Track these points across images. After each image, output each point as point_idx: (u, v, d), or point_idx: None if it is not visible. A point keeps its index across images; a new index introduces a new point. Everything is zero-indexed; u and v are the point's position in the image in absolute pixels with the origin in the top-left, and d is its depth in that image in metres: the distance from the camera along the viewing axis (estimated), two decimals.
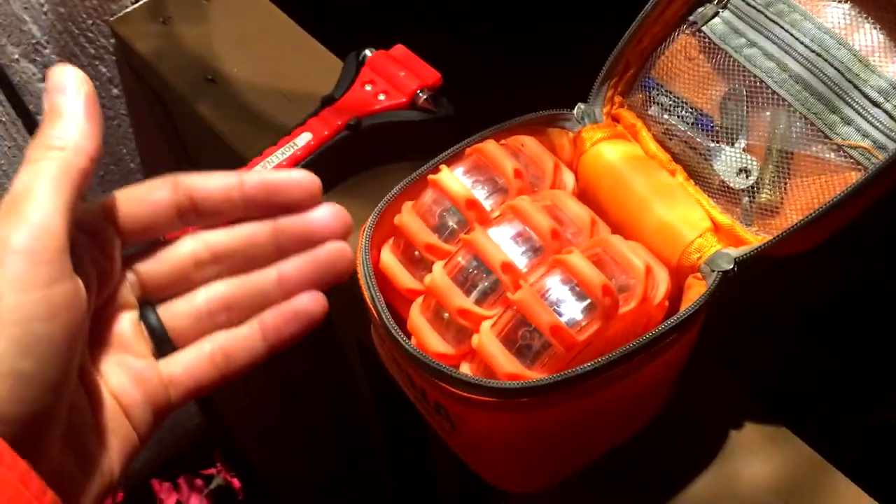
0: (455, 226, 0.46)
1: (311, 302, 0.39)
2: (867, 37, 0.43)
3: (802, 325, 0.90)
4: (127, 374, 0.36)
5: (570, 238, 0.46)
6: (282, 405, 1.07)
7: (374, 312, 0.44)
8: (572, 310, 0.42)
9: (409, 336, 0.45)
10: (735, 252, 0.44)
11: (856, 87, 0.43)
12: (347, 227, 0.39)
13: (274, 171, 0.38)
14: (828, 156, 0.44)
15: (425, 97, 0.62)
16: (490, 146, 0.47)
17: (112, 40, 0.76)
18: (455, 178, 0.46)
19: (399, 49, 0.65)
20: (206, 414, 1.24)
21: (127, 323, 0.37)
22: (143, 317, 0.38)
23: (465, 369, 0.44)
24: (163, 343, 0.38)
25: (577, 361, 0.42)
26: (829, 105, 0.44)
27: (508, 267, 0.43)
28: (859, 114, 0.43)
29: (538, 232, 0.44)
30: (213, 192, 0.37)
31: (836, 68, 0.44)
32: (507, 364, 0.41)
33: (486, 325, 0.43)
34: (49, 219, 0.31)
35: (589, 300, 0.42)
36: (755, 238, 0.45)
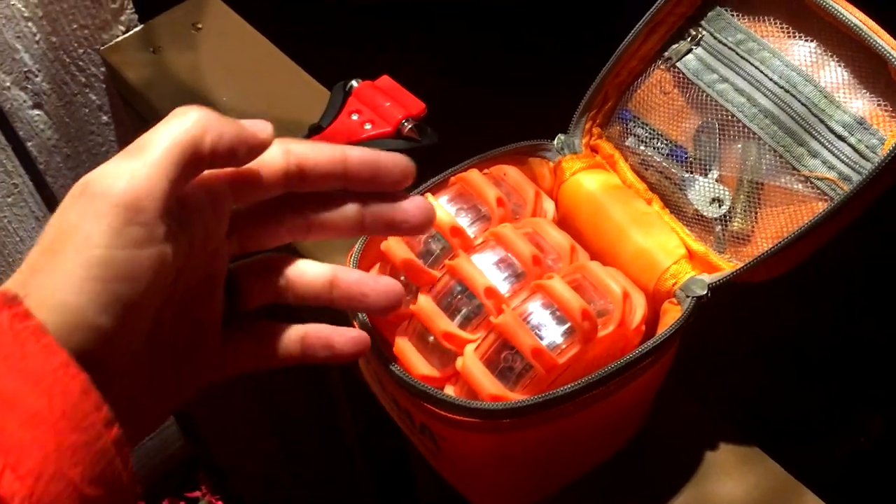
0: (440, 252, 0.48)
1: (349, 342, 0.39)
2: (832, 74, 0.46)
3: (772, 353, 0.92)
4: (193, 338, 0.37)
5: (551, 264, 0.48)
6: (265, 427, 1.07)
7: None
8: (553, 333, 0.44)
9: (394, 359, 0.46)
10: (709, 278, 0.46)
11: (822, 121, 0.45)
12: (431, 221, 0.39)
13: (375, 151, 0.38)
14: (796, 187, 0.46)
15: (410, 126, 0.63)
16: (473, 175, 0.49)
17: (102, 69, 0.78)
18: (440, 206, 0.47)
19: (385, 80, 0.66)
20: (189, 437, 1.24)
21: (214, 285, 0.37)
22: (227, 283, 0.39)
23: (450, 391, 0.45)
24: (234, 309, 0.39)
25: (558, 383, 0.43)
26: (797, 138, 0.46)
27: (491, 292, 0.44)
28: (825, 147, 0.45)
29: (520, 258, 0.46)
30: (321, 163, 0.37)
31: (803, 103, 0.46)
32: (490, 386, 0.43)
33: (469, 348, 0.44)
34: (154, 180, 0.31)
35: (569, 324, 0.43)
36: (728, 265, 0.47)
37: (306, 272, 0.39)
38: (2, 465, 0.26)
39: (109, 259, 0.30)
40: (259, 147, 0.34)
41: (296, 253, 0.53)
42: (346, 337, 0.39)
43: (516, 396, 0.43)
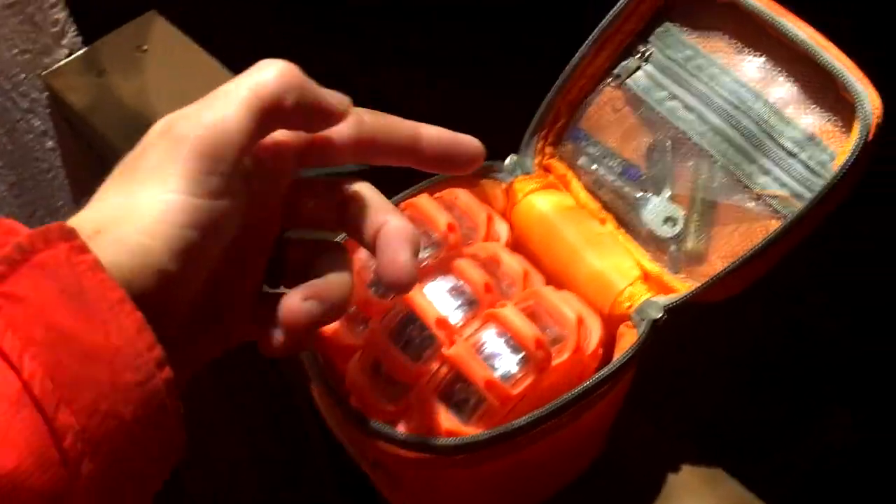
0: None
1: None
2: (781, 90, 0.45)
3: (734, 359, 0.92)
4: (234, 290, 0.36)
5: (505, 290, 0.47)
6: (234, 451, 1.06)
7: (311, 372, 0.44)
8: (507, 363, 0.43)
9: (346, 393, 0.45)
10: (664, 300, 0.46)
11: (772, 138, 0.45)
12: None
13: (449, 131, 0.38)
14: (748, 205, 0.45)
15: None
16: (423, 201, 0.48)
17: (45, 94, 0.75)
18: None
19: None
20: None
21: (263, 247, 0.37)
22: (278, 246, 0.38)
23: (404, 426, 0.44)
24: (275, 279, 0.38)
25: (514, 414, 0.42)
26: (748, 156, 0.45)
27: (443, 322, 0.43)
28: (776, 164, 0.45)
29: (472, 286, 0.45)
30: (393, 139, 0.37)
31: (753, 120, 0.45)
32: (443, 420, 0.42)
33: (422, 381, 0.43)
34: (238, 131, 0.31)
35: (524, 353, 0.42)
36: (683, 285, 0.47)
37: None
38: (57, 399, 0.25)
39: (188, 206, 0.30)
40: (334, 119, 0.34)
41: None
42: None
43: (471, 430, 0.42)
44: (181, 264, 0.30)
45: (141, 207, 0.29)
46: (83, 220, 0.30)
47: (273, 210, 0.36)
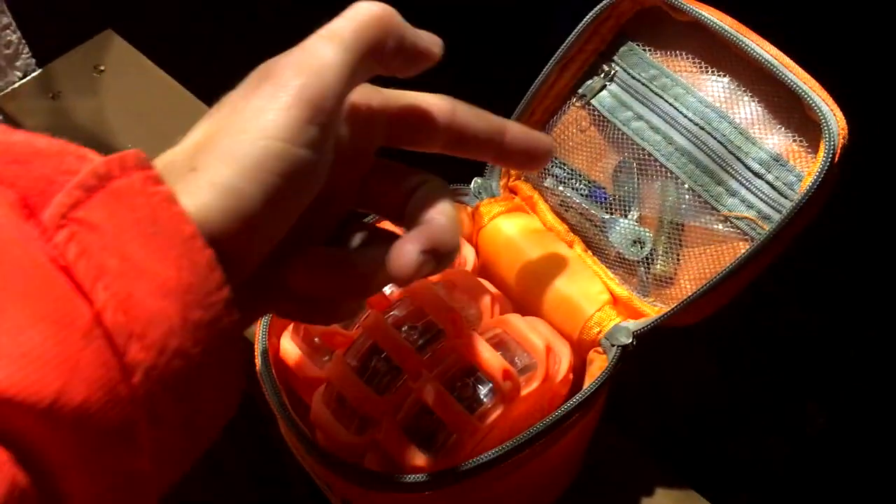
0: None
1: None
2: (747, 109, 0.45)
3: (713, 348, 0.92)
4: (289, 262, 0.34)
5: (471, 318, 0.46)
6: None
7: (274, 407, 0.43)
8: (476, 394, 0.42)
9: (312, 426, 0.44)
10: (634, 325, 0.45)
11: (738, 159, 0.44)
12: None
13: (532, 130, 0.38)
14: (716, 227, 0.45)
15: None
16: (386, 227, 0.47)
17: (0, 118, 0.73)
18: None
19: None
20: None
21: (334, 218, 0.36)
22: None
23: (371, 460, 0.43)
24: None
25: (483, 445, 0.41)
26: (715, 177, 0.45)
27: (408, 353, 0.42)
28: (743, 185, 0.44)
29: (437, 316, 0.43)
30: (482, 132, 0.36)
31: (718, 141, 0.45)
32: (411, 456, 0.41)
33: (388, 414, 0.42)
34: (338, 80, 0.30)
35: (491, 384, 0.41)
36: (652, 309, 0.46)
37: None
38: (128, 333, 0.24)
39: (287, 154, 0.29)
40: (430, 59, 0.33)
41: None
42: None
43: (439, 465, 0.41)
44: (270, 213, 0.29)
45: (242, 150, 0.28)
46: (178, 155, 0.29)
47: (350, 184, 0.35)
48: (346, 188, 0.35)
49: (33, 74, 0.74)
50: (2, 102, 0.72)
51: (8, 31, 0.71)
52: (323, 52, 0.30)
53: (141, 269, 0.25)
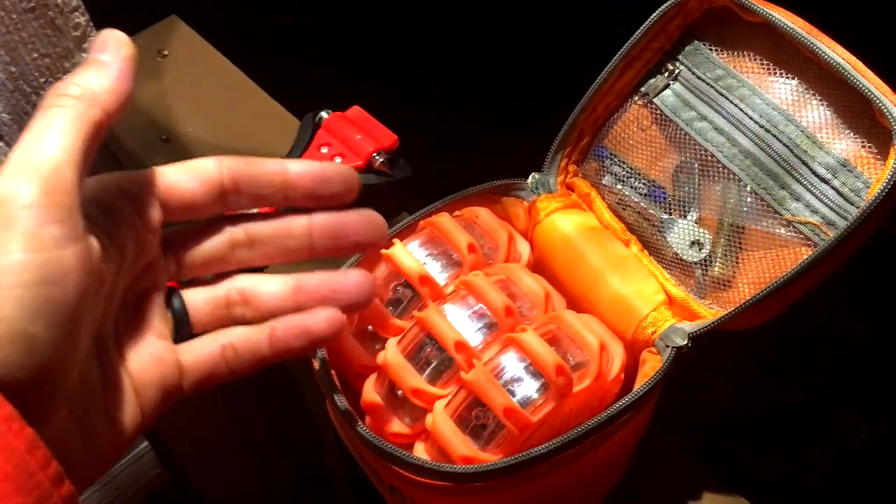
0: (408, 301, 0.45)
1: (325, 321, 0.36)
2: (815, 113, 0.44)
3: (758, 357, 0.91)
4: (145, 353, 0.35)
5: (525, 312, 0.46)
6: (246, 454, 1.05)
7: (327, 392, 0.43)
8: (527, 388, 0.42)
9: (362, 414, 0.44)
10: (689, 327, 0.44)
11: (804, 163, 0.43)
12: (382, 233, 0.38)
13: (317, 162, 0.37)
14: (778, 231, 0.44)
15: (382, 160, 0.61)
16: (444, 220, 0.47)
17: None
18: (408, 253, 0.45)
19: (355, 111, 0.64)
20: (166, 464, 1.21)
21: (154, 300, 0.36)
22: (168, 297, 0.36)
23: (420, 449, 0.43)
24: (183, 327, 0.37)
25: (533, 440, 0.41)
26: (779, 181, 0.44)
27: (461, 346, 0.42)
28: (808, 190, 0.43)
29: (492, 309, 0.44)
30: (258, 175, 0.36)
31: (784, 144, 0.44)
32: (461, 446, 0.41)
33: (439, 404, 0.42)
34: (61, 172, 0.29)
35: (543, 379, 0.41)
36: (709, 312, 0.45)
37: (264, 286, 0.37)
38: None
39: (31, 263, 0.28)
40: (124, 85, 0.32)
41: None
42: (320, 317, 0.36)
43: (488, 457, 0.41)
44: (46, 325, 0.28)
45: None
46: None
47: (152, 259, 0.35)
48: (147, 263, 0.35)
49: None
50: None
51: (76, 13, 0.72)
52: (34, 151, 0.29)
53: None
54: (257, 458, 1.03)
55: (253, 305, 0.37)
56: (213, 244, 0.37)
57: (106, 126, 0.32)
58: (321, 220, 0.37)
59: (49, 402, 0.29)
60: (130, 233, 0.33)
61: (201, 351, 0.36)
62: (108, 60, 0.32)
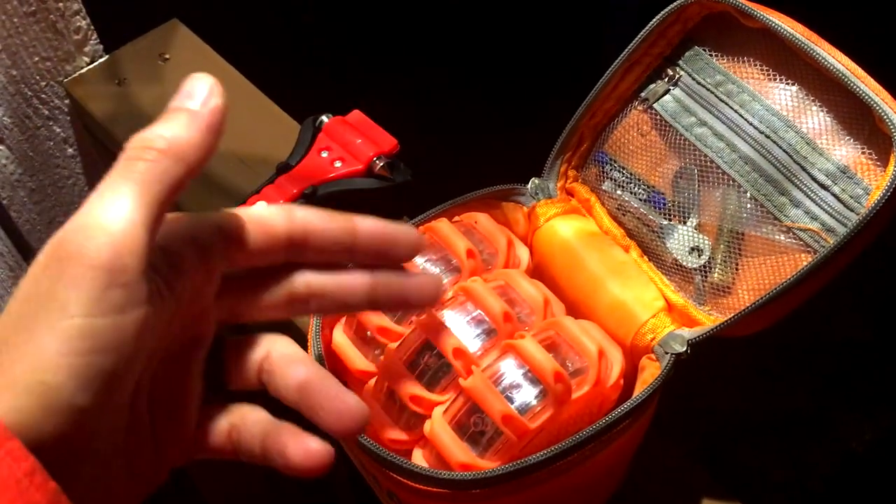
0: None
1: (302, 453, 0.32)
2: (815, 119, 0.44)
3: (758, 362, 0.91)
4: (177, 411, 0.33)
5: (524, 318, 0.45)
6: (258, 475, 1.05)
7: None
8: (526, 395, 0.41)
9: None
10: (688, 334, 0.44)
11: (804, 169, 0.43)
12: (440, 296, 0.36)
13: (386, 222, 0.35)
14: (778, 237, 0.44)
15: (382, 164, 0.61)
16: (442, 225, 0.47)
17: (66, 101, 0.75)
18: None
19: (356, 115, 0.64)
20: (179, 489, 1.21)
21: (197, 354, 0.33)
22: (213, 350, 0.34)
23: (418, 456, 0.43)
24: (216, 388, 0.35)
25: (532, 447, 0.41)
26: (779, 187, 0.44)
27: (460, 352, 0.42)
28: (808, 196, 0.43)
29: (490, 315, 0.43)
30: (328, 231, 0.33)
31: (784, 150, 0.44)
32: (459, 453, 0.41)
33: (438, 411, 0.42)
34: (133, 234, 0.27)
35: (542, 385, 0.41)
36: (708, 318, 0.45)
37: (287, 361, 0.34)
38: None
39: (90, 329, 0.27)
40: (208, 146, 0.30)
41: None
42: (300, 447, 0.32)
43: (487, 464, 0.41)
44: (94, 394, 0.27)
45: (40, 341, 0.26)
46: None
47: (205, 306, 0.33)
48: (200, 311, 0.33)
49: (100, 60, 0.75)
50: (70, 87, 0.74)
51: (78, 17, 0.72)
52: (109, 208, 0.27)
53: None
54: (272, 477, 1.03)
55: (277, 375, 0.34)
56: (270, 295, 0.34)
57: (187, 183, 0.30)
58: (385, 282, 0.34)
59: (79, 461, 0.28)
60: (190, 283, 0.31)
61: (215, 429, 0.34)
62: (196, 110, 0.30)
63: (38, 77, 0.72)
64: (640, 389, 0.43)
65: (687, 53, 0.48)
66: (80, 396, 0.26)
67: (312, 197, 0.60)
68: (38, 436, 0.26)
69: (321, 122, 0.64)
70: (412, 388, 0.42)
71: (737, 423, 0.89)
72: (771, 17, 0.43)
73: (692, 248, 0.46)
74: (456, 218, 0.49)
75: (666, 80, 0.48)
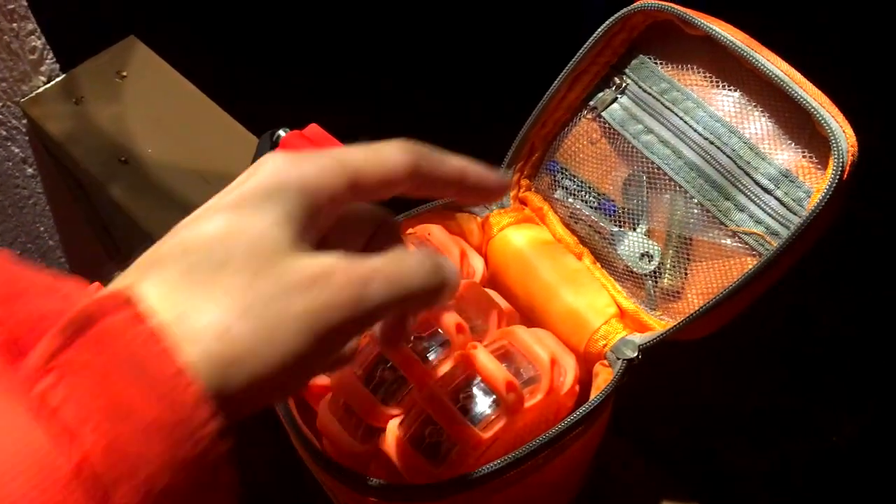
0: None
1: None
2: (757, 125, 0.44)
3: (742, 349, 0.91)
4: None
5: (478, 328, 0.46)
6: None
7: (281, 415, 0.43)
8: (481, 405, 0.42)
9: (318, 434, 0.44)
10: (640, 339, 0.45)
11: (748, 174, 0.44)
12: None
13: (484, 168, 0.37)
14: (724, 241, 0.45)
15: None
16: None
17: (24, 121, 0.75)
18: None
19: (313, 129, 0.64)
20: None
21: None
22: None
23: (374, 469, 0.43)
24: None
25: (488, 456, 0.42)
26: (723, 192, 0.45)
27: (414, 364, 0.42)
28: (752, 200, 0.44)
29: (443, 327, 0.44)
30: (443, 177, 0.35)
31: (728, 156, 0.44)
32: (414, 466, 0.41)
33: (392, 423, 0.42)
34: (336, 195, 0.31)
35: (495, 395, 0.42)
36: (659, 323, 0.46)
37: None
38: (116, 475, 0.25)
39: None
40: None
41: None
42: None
43: (442, 474, 0.41)
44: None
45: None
46: (156, 301, 0.28)
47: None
48: None
49: (57, 79, 0.75)
50: (26, 107, 0.74)
51: (33, 36, 0.72)
52: (312, 163, 0.30)
53: (127, 409, 0.25)
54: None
55: None
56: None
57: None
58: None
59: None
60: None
61: None
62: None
63: None
64: (593, 395, 0.44)
65: (633, 62, 0.48)
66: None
67: None
68: (221, 386, 0.27)
69: (278, 136, 0.64)
70: (367, 402, 0.43)
71: (719, 418, 0.89)
72: (711, 25, 0.44)
73: (642, 254, 0.47)
74: (410, 230, 0.49)
75: (613, 88, 0.49)
